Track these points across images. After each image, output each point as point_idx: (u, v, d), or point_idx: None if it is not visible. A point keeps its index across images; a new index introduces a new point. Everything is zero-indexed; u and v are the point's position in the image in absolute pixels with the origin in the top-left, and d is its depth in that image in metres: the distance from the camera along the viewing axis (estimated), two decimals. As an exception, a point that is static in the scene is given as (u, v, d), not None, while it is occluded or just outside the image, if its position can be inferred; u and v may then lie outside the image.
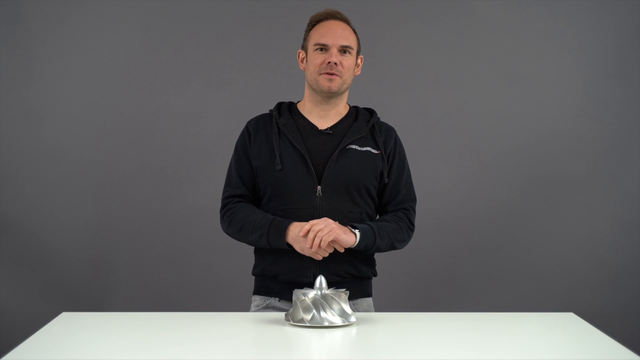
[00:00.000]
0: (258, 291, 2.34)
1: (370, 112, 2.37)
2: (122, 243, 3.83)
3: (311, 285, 2.11)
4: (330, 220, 2.15)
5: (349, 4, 3.72)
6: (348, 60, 2.25)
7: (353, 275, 2.27)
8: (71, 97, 3.81)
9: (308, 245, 2.12)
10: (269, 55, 3.82)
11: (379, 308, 2.39)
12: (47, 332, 1.92)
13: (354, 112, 2.35)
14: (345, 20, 2.29)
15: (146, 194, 3.82)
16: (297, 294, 2.00)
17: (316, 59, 2.24)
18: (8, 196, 3.78)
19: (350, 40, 2.26)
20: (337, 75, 2.24)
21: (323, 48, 2.24)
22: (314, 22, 2.29)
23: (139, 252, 3.83)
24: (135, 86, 3.83)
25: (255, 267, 2.34)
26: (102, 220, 3.82)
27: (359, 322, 2.03)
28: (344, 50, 2.25)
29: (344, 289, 2.02)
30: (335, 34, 2.24)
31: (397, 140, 2.36)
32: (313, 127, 2.29)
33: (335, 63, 2.22)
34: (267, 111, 2.37)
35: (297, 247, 2.17)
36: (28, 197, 3.80)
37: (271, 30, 3.82)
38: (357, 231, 2.18)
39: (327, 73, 2.23)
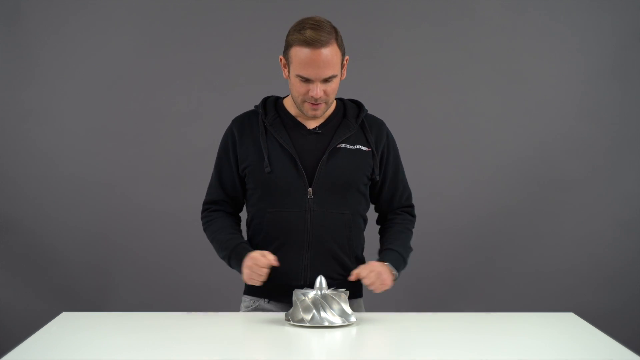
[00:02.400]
0: (248, 291, 2.31)
1: (359, 106, 2.30)
2: (122, 243, 3.83)
3: (301, 288, 2.09)
4: (378, 269, 2.15)
5: (349, 5, 3.73)
6: (332, 85, 2.12)
7: (344, 276, 2.23)
8: (71, 97, 3.81)
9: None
10: (269, 56, 3.79)
11: (379, 308, 2.38)
12: (47, 332, 1.92)
13: (342, 107, 2.28)
14: (327, 41, 2.07)
15: (146, 194, 3.82)
16: (297, 294, 2.00)
17: (299, 88, 2.12)
18: (8, 196, 3.78)
19: (333, 66, 2.09)
20: (322, 103, 2.15)
21: (306, 80, 2.10)
22: (293, 43, 2.10)
23: (138, 252, 3.83)
24: (135, 86, 3.82)
25: None
26: (101, 221, 3.82)
27: (358, 322, 2.03)
28: (327, 80, 2.11)
29: (344, 289, 2.02)
30: (318, 66, 2.07)
31: (388, 135, 2.31)
32: (301, 126, 2.23)
33: (320, 96, 2.12)
34: (252, 107, 2.30)
35: (248, 262, 2.13)
36: (28, 197, 3.80)
37: (271, 31, 3.80)
38: (396, 273, 2.21)
39: (312, 103, 2.14)
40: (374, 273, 2.14)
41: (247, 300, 2.31)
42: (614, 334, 1.95)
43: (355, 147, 2.23)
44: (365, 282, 2.13)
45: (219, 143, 2.34)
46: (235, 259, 2.18)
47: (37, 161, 3.80)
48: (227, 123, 2.33)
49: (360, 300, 2.35)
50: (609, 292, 3.84)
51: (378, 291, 2.15)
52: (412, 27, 3.86)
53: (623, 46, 3.82)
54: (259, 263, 2.09)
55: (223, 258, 2.25)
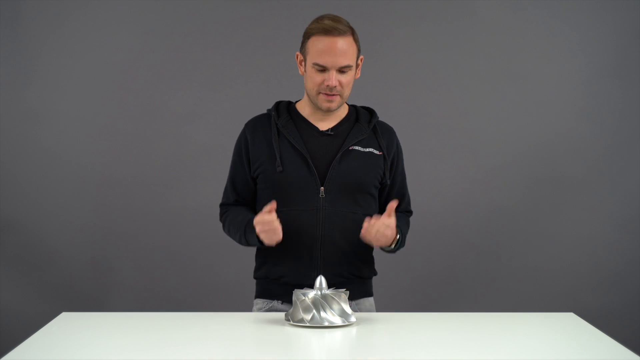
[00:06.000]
0: (260, 294, 2.33)
1: (370, 112, 2.36)
2: (122, 243, 3.83)
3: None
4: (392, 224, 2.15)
5: (349, 4, 3.72)
6: (347, 77, 2.19)
7: (355, 275, 2.28)
8: (71, 97, 3.81)
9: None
10: (269, 56, 3.82)
11: (379, 308, 2.39)
12: (47, 332, 1.92)
13: (354, 113, 2.33)
14: (345, 32, 2.16)
15: (146, 194, 3.82)
16: (297, 294, 2.00)
17: (315, 77, 2.18)
18: (8, 196, 3.78)
19: (349, 57, 2.17)
20: (337, 95, 2.20)
21: (322, 69, 2.17)
22: (311, 33, 2.19)
23: (139, 252, 3.83)
24: (135, 86, 3.82)
25: (257, 270, 2.34)
26: (102, 220, 3.82)
27: (359, 322, 2.03)
28: (342, 70, 2.17)
29: (344, 289, 2.02)
30: (335, 53, 2.14)
31: (398, 142, 2.37)
32: (313, 128, 2.27)
33: (335, 86, 2.17)
34: (265, 111, 2.35)
35: (258, 228, 2.13)
36: (28, 197, 3.80)
37: (271, 31, 3.82)
38: (393, 245, 2.22)
39: (327, 94, 2.19)
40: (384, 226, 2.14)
41: (259, 302, 2.33)
42: (614, 334, 1.95)
43: (368, 150, 2.27)
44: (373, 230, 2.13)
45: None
46: (249, 232, 2.18)
47: (37, 161, 3.80)
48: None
49: (372, 299, 2.37)
50: (609, 292, 3.84)
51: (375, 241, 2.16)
52: (412, 26, 3.86)
53: (623, 46, 3.82)
54: (265, 219, 2.10)
55: (240, 240, 2.25)
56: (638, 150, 3.85)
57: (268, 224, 2.11)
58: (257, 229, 2.13)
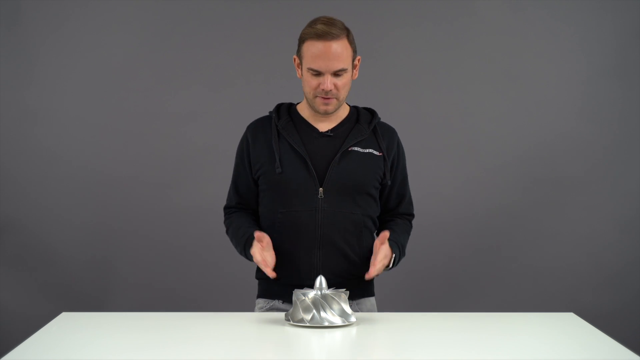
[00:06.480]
0: (262, 294, 2.35)
1: (372, 113, 2.36)
2: (122, 243, 3.83)
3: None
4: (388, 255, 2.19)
5: (349, 4, 3.73)
6: (343, 80, 2.18)
7: (355, 275, 2.27)
8: (71, 97, 3.81)
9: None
10: (269, 56, 3.82)
11: (379, 308, 2.39)
12: (47, 332, 1.92)
13: (355, 113, 2.33)
14: (338, 35, 2.15)
15: (146, 194, 3.82)
16: (297, 294, 2.00)
17: (310, 81, 2.19)
18: (8, 196, 3.78)
19: (343, 60, 2.16)
20: (333, 98, 2.20)
21: (317, 73, 2.17)
22: (305, 37, 2.18)
23: (139, 252, 3.83)
24: (135, 86, 3.82)
25: (258, 270, 2.34)
26: (102, 220, 3.82)
27: (359, 322, 2.03)
28: (337, 73, 2.17)
29: (344, 289, 2.02)
30: (328, 58, 2.14)
31: (399, 143, 2.36)
32: (313, 129, 2.28)
33: (330, 89, 2.18)
34: (267, 113, 2.36)
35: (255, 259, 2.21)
36: (28, 197, 3.80)
37: (271, 31, 3.81)
38: (391, 264, 2.22)
39: (323, 97, 2.20)
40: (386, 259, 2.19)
41: (261, 302, 2.35)
42: (614, 334, 1.95)
43: (367, 150, 2.28)
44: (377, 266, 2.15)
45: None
46: (249, 250, 2.23)
47: (37, 161, 3.80)
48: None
49: (373, 299, 2.38)
50: (609, 292, 3.84)
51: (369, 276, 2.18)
52: (412, 26, 3.86)
53: (623, 46, 3.82)
54: (258, 260, 2.17)
55: (241, 254, 2.30)
56: (638, 150, 3.85)
57: (261, 263, 2.17)
58: (254, 259, 2.20)
